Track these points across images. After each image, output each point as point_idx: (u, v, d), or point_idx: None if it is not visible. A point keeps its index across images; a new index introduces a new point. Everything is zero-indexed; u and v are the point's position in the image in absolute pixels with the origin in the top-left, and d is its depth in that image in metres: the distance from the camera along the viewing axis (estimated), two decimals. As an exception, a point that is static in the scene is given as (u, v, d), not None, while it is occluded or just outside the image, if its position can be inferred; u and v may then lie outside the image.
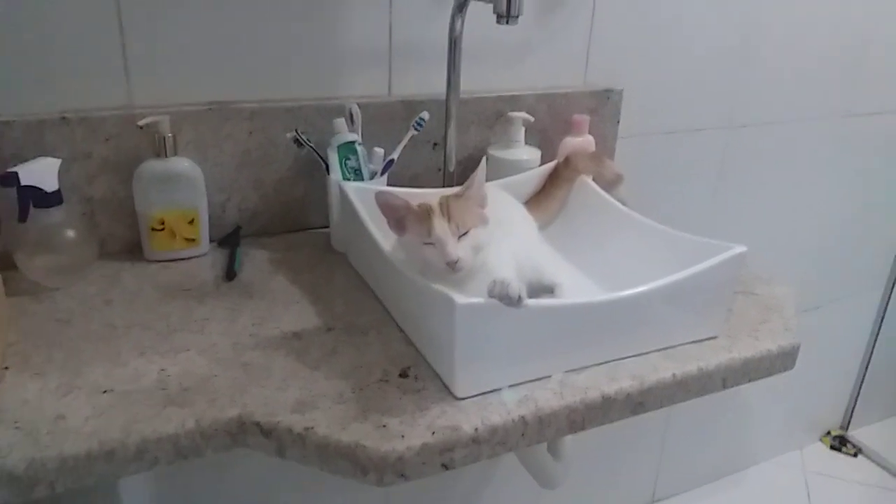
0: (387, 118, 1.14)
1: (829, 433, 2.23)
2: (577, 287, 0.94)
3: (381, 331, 0.88)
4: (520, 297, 0.72)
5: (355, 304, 0.94)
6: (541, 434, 0.77)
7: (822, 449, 2.20)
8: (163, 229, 1.01)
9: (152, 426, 0.70)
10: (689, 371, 0.85)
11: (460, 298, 0.71)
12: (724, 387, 0.89)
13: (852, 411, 2.22)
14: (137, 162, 1.00)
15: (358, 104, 1.07)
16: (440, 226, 0.78)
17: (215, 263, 1.03)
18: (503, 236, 0.87)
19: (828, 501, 2.00)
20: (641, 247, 0.98)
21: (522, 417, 0.75)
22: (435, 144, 1.19)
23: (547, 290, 0.91)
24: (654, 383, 0.83)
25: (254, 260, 1.05)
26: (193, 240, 1.04)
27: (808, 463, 2.13)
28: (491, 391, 0.78)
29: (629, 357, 0.86)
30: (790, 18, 1.50)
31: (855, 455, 2.17)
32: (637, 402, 0.82)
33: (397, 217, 0.81)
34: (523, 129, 1.19)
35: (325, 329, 0.88)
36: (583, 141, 1.23)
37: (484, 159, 0.85)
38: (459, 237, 0.78)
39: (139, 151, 1.00)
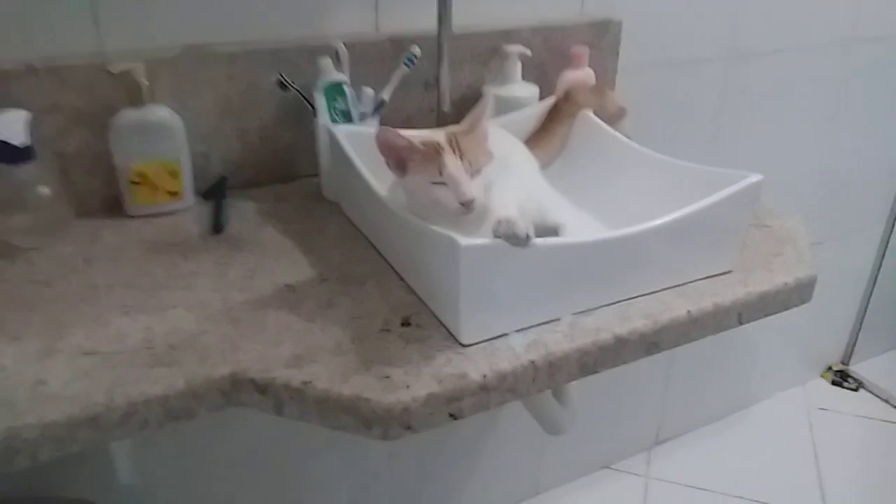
0: (375, 57, 1.07)
1: (830, 368, 2.22)
2: (582, 227, 0.89)
3: (379, 280, 0.84)
4: (527, 235, 0.68)
5: (350, 253, 0.89)
6: (551, 379, 0.73)
7: (824, 384, 2.19)
8: (143, 183, 0.96)
9: (139, 388, 0.66)
10: (705, 308, 0.81)
11: (464, 240, 0.67)
12: (741, 322, 0.86)
13: (853, 346, 2.21)
14: (112, 113, 0.93)
15: (344, 43, 1.01)
16: (453, 163, 0.73)
17: (200, 217, 0.98)
18: (504, 176, 0.82)
19: (831, 436, 1.99)
20: (650, 182, 0.94)
21: (532, 362, 0.71)
22: (427, 84, 1.13)
23: (551, 231, 0.86)
24: (667, 322, 0.79)
25: (241, 212, 1.00)
26: (176, 193, 0.98)
27: (811, 398, 2.12)
28: (498, 337, 0.74)
29: (641, 296, 0.82)
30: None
31: (856, 389, 2.17)
32: (651, 342, 0.79)
33: (400, 157, 0.76)
34: (520, 65, 1.13)
35: (320, 280, 0.84)
36: (582, 74, 1.17)
37: (490, 94, 0.79)
38: (472, 175, 0.73)
39: (114, 101, 0.94)
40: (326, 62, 0.97)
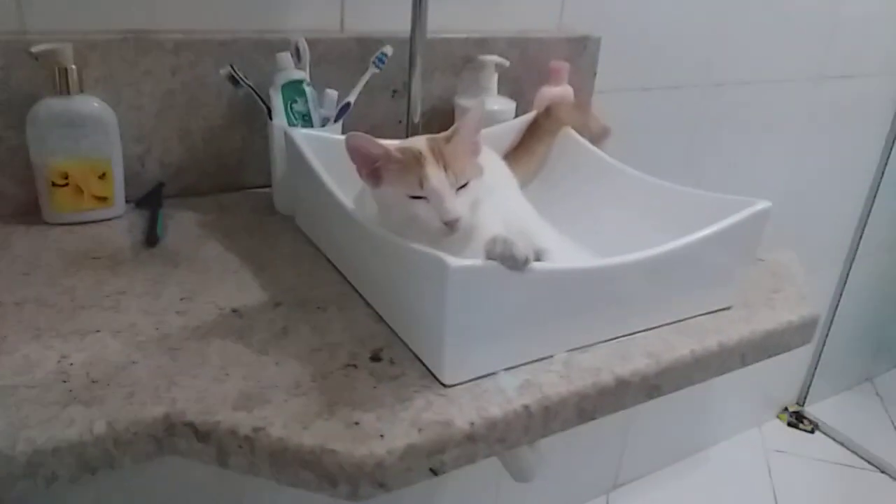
0: (339, 58, 0.97)
1: (786, 409, 2.18)
2: (567, 253, 0.80)
3: (342, 305, 0.72)
4: (527, 258, 0.58)
5: (307, 274, 0.78)
6: (546, 427, 0.63)
7: (780, 426, 2.16)
8: (67, 185, 0.82)
9: (48, 431, 0.53)
10: (710, 347, 0.72)
11: (453, 260, 0.56)
12: (744, 364, 0.77)
13: (809, 387, 2.18)
14: (32, 101, 0.80)
15: (306, 39, 0.90)
16: (436, 175, 0.62)
17: (133, 227, 0.85)
18: (485, 193, 0.72)
19: (789, 479, 1.95)
20: (641, 206, 0.85)
21: (526, 407, 0.61)
22: (395, 91, 1.03)
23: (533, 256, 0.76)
24: (671, 362, 0.70)
25: (180, 224, 0.87)
26: (105, 198, 0.85)
27: (768, 440, 2.08)
28: (485, 376, 0.63)
29: (639, 332, 0.73)
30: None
31: (812, 431, 2.13)
32: (653, 385, 0.69)
33: (373, 165, 0.65)
34: (496, 76, 1.04)
35: (273, 304, 0.72)
36: (561, 91, 1.09)
37: (481, 101, 0.68)
38: (458, 189, 0.63)
39: (34, 88, 0.81)
40: (285, 57, 0.86)
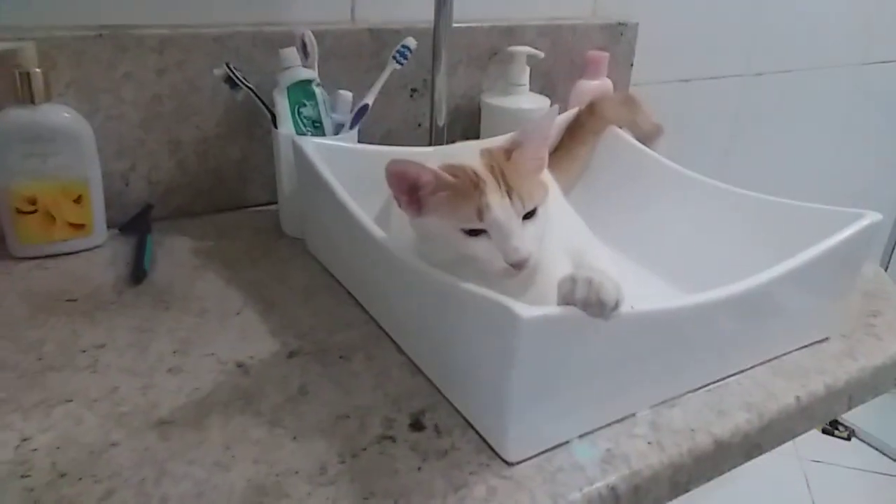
0: (350, 53, 0.84)
1: (821, 416, 2.06)
2: (630, 283, 0.67)
3: (370, 353, 0.59)
4: (617, 302, 0.45)
5: (325, 312, 0.65)
6: (634, 509, 0.50)
7: (814, 433, 2.03)
8: (35, 211, 0.70)
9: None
10: (815, 391, 0.60)
11: (524, 309, 0.43)
12: (850, 406, 0.65)
13: (844, 391, 2.06)
14: (-11, 113, 0.67)
15: (312, 32, 0.77)
16: (499, 204, 0.49)
17: (116, 258, 0.72)
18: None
19: (829, 490, 1.84)
20: (708, 218, 0.73)
21: (612, 489, 0.48)
22: (414, 90, 0.90)
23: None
24: (775, 414, 0.57)
25: (172, 253, 0.74)
26: (82, 226, 0.72)
27: (802, 449, 1.96)
28: (557, 446, 0.50)
29: (731, 377, 0.60)
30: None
31: (848, 438, 2.02)
32: (754, 444, 0.57)
33: (416, 191, 0.52)
34: (528, 70, 0.91)
35: (286, 355, 0.59)
36: (600, 85, 0.96)
37: (555, 108, 0.54)
38: (523, 220, 0.50)
39: (-8, 97, 0.68)
40: (290, 53, 0.73)
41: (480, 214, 0.49)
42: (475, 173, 0.50)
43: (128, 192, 0.78)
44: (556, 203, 0.73)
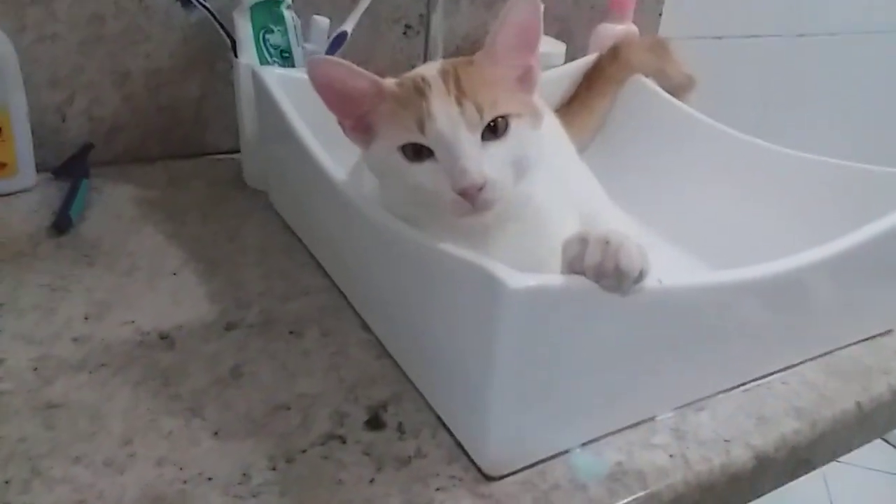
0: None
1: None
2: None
3: (326, 328, 0.48)
4: (641, 272, 0.33)
5: (280, 276, 0.54)
6: (650, 541, 0.39)
7: (835, 430, 1.92)
8: (-55, 146, 0.58)
9: None
10: (879, 394, 0.48)
11: (510, 276, 0.32)
12: (914, 416, 0.53)
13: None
14: None
15: (286, -53, 0.65)
16: (446, 113, 0.37)
17: (43, 206, 0.61)
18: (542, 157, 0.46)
19: (849, 493, 1.73)
20: (745, 180, 0.62)
21: (623, 515, 0.37)
22: (408, 27, 0.78)
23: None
24: (830, 422, 0.45)
25: (110, 201, 0.63)
26: (3, 164, 0.61)
27: (821, 448, 1.85)
28: (552, 457, 0.39)
29: (775, 374, 0.48)
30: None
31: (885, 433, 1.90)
32: (802, 460, 0.45)
33: (356, 108, 0.40)
34: (542, 7, 0.78)
35: (223, 325, 0.48)
36: (625, 29, 0.84)
37: None
38: (484, 134, 0.38)
39: None
40: (256, -34, 0.61)
41: (422, 125, 0.37)
42: (422, 79, 0.39)
43: (65, 129, 0.66)
44: (566, 156, 0.62)
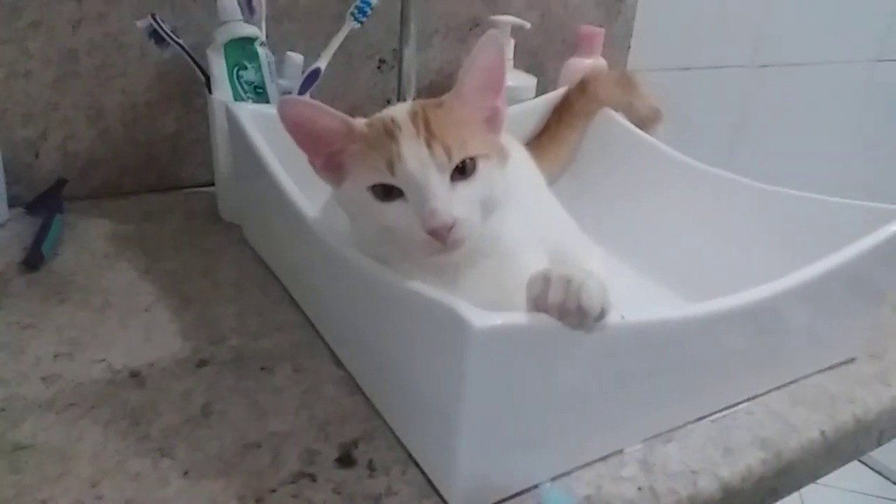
0: (306, 12, 0.73)
1: (819, 434, 1.96)
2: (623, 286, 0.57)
3: (299, 364, 0.48)
4: (602, 310, 0.34)
5: (254, 312, 0.54)
6: (619, 575, 0.39)
7: (812, 453, 1.93)
8: (-85, 183, 0.58)
9: None
10: (843, 424, 0.49)
11: (477, 316, 0.32)
12: (879, 443, 0.54)
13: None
14: None
15: (260, -15, 0.66)
16: (415, 155, 0.38)
17: (15, 241, 0.61)
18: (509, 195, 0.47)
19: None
20: (714, 213, 0.63)
21: (592, 551, 0.37)
22: (382, 62, 0.79)
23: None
24: (796, 452, 0.46)
25: (84, 236, 0.63)
26: (-26, 201, 0.61)
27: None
28: (521, 493, 0.39)
29: (741, 404, 0.49)
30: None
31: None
32: (770, 489, 0.46)
33: (326, 147, 0.41)
34: (512, 43, 0.81)
35: (195, 363, 0.48)
36: (594, 64, 0.85)
37: (495, 32, 0.43)
38: (452, 175, 0.39)
39: None
40: (229, 4, 0.62)
41: (392, 167, 0.38)
42: (392, 120, 0.39)
43: (38, 165, 0.67)
44: (536, 191, 0.63)
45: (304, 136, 0.41)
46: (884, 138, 1.51)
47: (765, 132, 1.31)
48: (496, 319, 0.33)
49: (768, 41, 1.22)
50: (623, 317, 0.36)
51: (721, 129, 1.24)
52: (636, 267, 0.63)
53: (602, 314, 0.34)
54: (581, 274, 0.34)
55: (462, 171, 0.39)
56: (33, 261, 0.57)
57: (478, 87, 0.41)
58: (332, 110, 0.40)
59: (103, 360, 0.47)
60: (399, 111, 0.41)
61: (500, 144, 0.43)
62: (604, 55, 0.92)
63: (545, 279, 0.34)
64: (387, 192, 0.39)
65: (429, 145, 0.38)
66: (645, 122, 0.75)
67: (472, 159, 0.39)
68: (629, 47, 1.00)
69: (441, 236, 0.37)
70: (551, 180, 0.72)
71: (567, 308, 0.33)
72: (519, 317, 0.34)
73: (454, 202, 0.38)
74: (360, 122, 0.41)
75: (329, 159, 0.42)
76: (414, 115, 0.40)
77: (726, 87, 1.20)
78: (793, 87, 1.29)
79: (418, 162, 0.38)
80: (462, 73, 0.41)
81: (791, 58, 1.26)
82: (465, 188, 0.39)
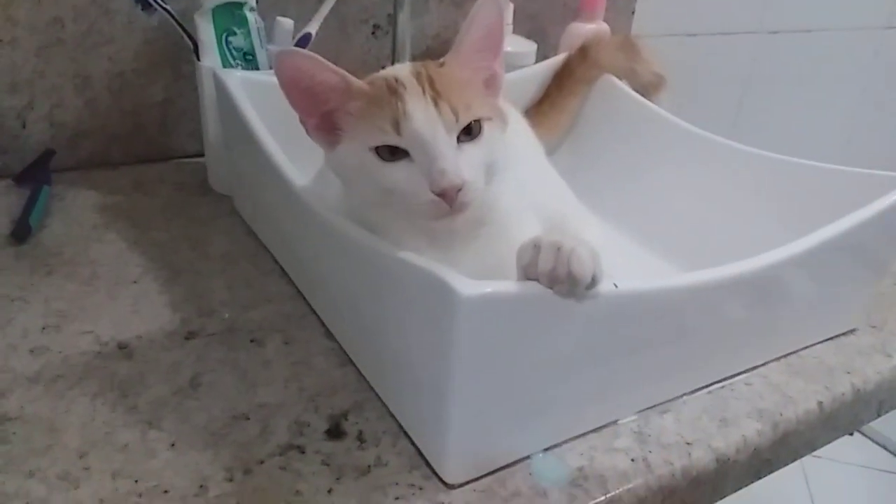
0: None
1: (820, 406, 1.96)
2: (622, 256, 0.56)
3: (290, 336, 0.48)
4: (593, 278, 0.33)
5: (244, 284, 0.53)
6: (612, 545, 0.39)
7: (814, 424, 1.93)
8: None
9: None
10: (841, 394, 0.49)
11: (464, 284, 0.32)
12: (878, 414, 0.54)
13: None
14: None
15: (249, -52, 0.64)
16: (423, 113, 0.37)
17: (2, 213, 0.60)
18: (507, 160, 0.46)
19: (829, 488, 1.73)
20: (716, 182, 0.61)
21: (584, 521, 0.37)
22: (376, 27, 0.77)
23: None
24: (792, 423, 0.46)
25: (72, 208, 0.62)
26: (-39, 172, 0.60)
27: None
28: (513, 464, 0.39)
29: (738, 375, 0.48)
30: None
31: (850, 433, 1.91)
32: (764, 461, 0.45)
33: (322, 105, 0.39)
34: (512, 7, 0.79)
35: (184, 335, 0.47)
36: (596, 29, 0.83)
37: None
38: (460, 137, 0.38)
39: None
40: (217, -31, 0.60)
41: (397, 126, 0.37)
42: (395, 79, 0.38)
43: (25, 135, 0.65)
44: (533, 157, 0.61)
45: (300, 91, 0.39)
46: (893, 106, 1.49)
47: (771, 100, 1.29)
48: (484, 288, 0.32)
49: (777, 7, 1.19)
50: (616, 285, 0.35)
51: (726, 96, 1.22)
52: (635, 237, 0.62)
53: (593, 282, 0.33)
54: (572, 241, 0.33)
55: (468, 132, 0.38)
56: (21, 233, 0.56)
57: (477, 47, 0.40)
58: (333, 66, 0.38)
59: (91, 332, 0.46)
60: (401, 70, 0.40)
61: (499, 108, 0.41)
62: (607, 20, 0.90)
63: (535, 246, 0.33)
64: (391, 153, 0.38)
65: (436, 104, 0.37)
66: (648, 88, 0.74)
67: (478, 121, 0.38)
68: (633, 12, 0.97)
69: (449, 198, 0.36)
70: (551, 148, 0.71)
71: (557, 275, 0.32)
72: (508, 285, 0.33)
73: (462, 163, 0.37)
74: (358, 80, 0.40)
75: (324, 119, 0.40)
76: (418, 75, 0.39)
77: (733, 53, 1.18)
78: (801, 54, 1.27)
79: (426, 121, 0.37)
80: (461, 33, 0.39)
81: (800, 24, 1.24)
82: (471, 150, 0.38)
